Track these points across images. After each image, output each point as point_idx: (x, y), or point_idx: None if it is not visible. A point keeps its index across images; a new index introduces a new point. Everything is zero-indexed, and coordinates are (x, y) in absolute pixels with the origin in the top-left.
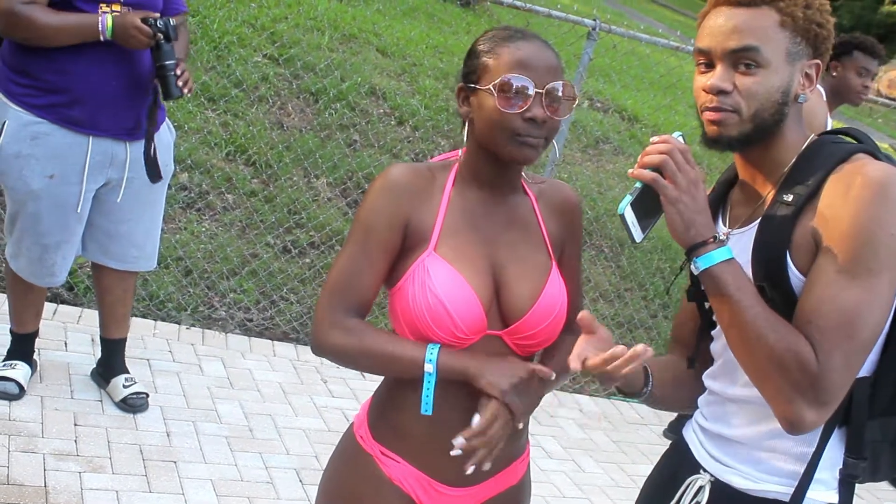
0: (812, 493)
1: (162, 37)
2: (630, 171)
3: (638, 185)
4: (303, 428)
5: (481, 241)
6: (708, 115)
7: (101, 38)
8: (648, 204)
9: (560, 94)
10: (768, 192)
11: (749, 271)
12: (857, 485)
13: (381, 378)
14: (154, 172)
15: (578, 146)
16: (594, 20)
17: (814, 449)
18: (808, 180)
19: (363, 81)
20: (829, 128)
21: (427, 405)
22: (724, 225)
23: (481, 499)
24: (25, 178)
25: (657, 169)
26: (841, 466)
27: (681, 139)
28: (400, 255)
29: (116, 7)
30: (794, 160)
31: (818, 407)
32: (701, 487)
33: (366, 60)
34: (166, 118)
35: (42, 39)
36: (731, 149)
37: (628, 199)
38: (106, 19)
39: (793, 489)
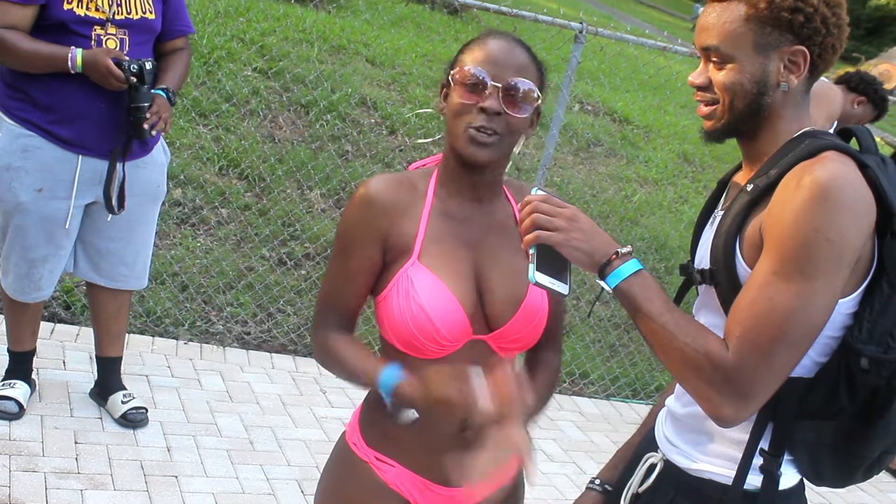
0: (749, 478)
1: (136, 80)
2: (522, 246)
3: (532, 250)
4: (303, 439)
5: (463, 247)
6: (698, 110)
7: (72, 72)
8: (552, 259)
9: (519, 91)
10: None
11: (709, 252)
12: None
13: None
14: (113, 205)
15: (570, 149)
16: (581, 23)
17: (748, 437)
18: (772, 172)
19: (353, 92)
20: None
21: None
22: (720, 206)
23: (478, 498)
24: (14, 189)
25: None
26: (762, 462)
27: (539, 192)
28: (383, 265)
29: (112, 29)
30: (774, 151)
31: (737, 401)
32: (653, 465)
33: (355, 71)
34: (161, 139)
35: (16, 65)
36: (721, 140)
37: (532, 267)
38: (76, 55)
39: (726, 471)
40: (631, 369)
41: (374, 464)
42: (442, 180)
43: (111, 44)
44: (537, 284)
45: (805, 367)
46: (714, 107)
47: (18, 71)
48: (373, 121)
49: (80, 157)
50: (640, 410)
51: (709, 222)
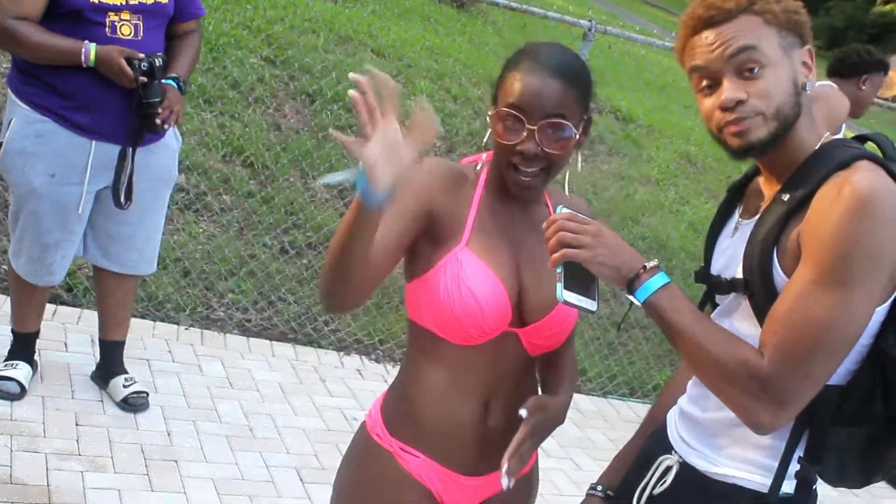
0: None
1: (146, 78)
2: (549, 265)
3: (558, 269)
4: (302, 427)
5: (507, 242)
6: (730, 129)
7: (84, 66)
8: (580, 276)
9: (556, 129)
10: (776, 189)
11: (741, 262)
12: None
13: (384, 378)
14: (120, 198)
15: None
16: (590, 21)
17: (784, 443)
18: (808, 182)
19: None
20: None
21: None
22: (738, 214)
23: (498, 487)
24: (28, 175)
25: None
26: (797, 468)
27: (564, 210)
28: (427, 243)
29: (126, 15)
30: (803, 160)
31: (773, 409)
32: (668, 468)
33: (361, 62)
34: (174, 125)
35: (28, 56)
36: (763, 153)
37: (559, 286)
38: (90, 50)
39: (751, 475)
40: (629, 368)
41: (398, 454)
42: (491, 178)
43: (125, 30)
44: (566, 303)
45: (838, 374)
46: (756, 117)
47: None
48: None
49: (94, 142)
50: (637, 409)
51: (727, 231)
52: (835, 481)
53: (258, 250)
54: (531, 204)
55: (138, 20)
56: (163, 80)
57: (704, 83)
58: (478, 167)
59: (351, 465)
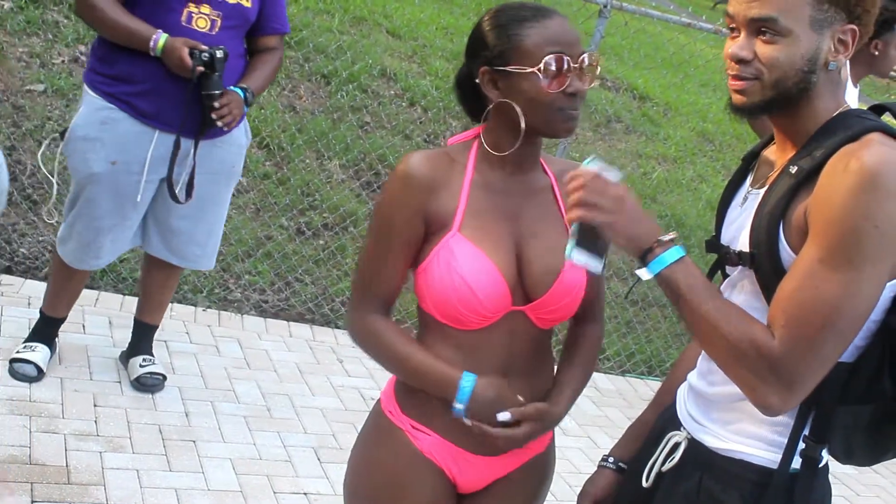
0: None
1: (204, 69)
2: (565, 221)
3: (573, 227)
4: (320, 407)
5: (503, 218)
6: (731, 83)
7: (151, 54)
8: (592, 237)
9: (589, 63)
10: (787, 158)
11: (748, 234)
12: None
13: None
14: (174, 191)
15: (590, 125)
16: None
17: (793, 420)
18: (817, 153)
19: (374, 63)
20: (850, 97)
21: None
22: (749, 183)
23: (511, 467)
24: (89, 160)
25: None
26: (803, 447)
27: (594, 164)
28: (423, 240)
29: (205, 9)
30: (815, 130)
31: (783, 390)
32: (677, 444)
33: (376, 42)
34: (245, 121)
35: (102, 32)
36: (754, 115)
37: (571, 242)
38: (159, 38)
39: (759, 451)
40: (647, 346)
41: (410, 432)
42: (483, 153)
43: (201, 22)
44: (574, 260)
45: (846, 351)
46: (754, 81)
47: (110, 43)
48: (393, 92)
49: (157, 132)
50: (655, 387)
51: (737, 200)
52: (842, 459)
53: (275, 231)
54: (527, 171)
55: (217, 17)
56: (232, 88)
57: (732, 25)
58: (469, 143)
59: (365, 442)
